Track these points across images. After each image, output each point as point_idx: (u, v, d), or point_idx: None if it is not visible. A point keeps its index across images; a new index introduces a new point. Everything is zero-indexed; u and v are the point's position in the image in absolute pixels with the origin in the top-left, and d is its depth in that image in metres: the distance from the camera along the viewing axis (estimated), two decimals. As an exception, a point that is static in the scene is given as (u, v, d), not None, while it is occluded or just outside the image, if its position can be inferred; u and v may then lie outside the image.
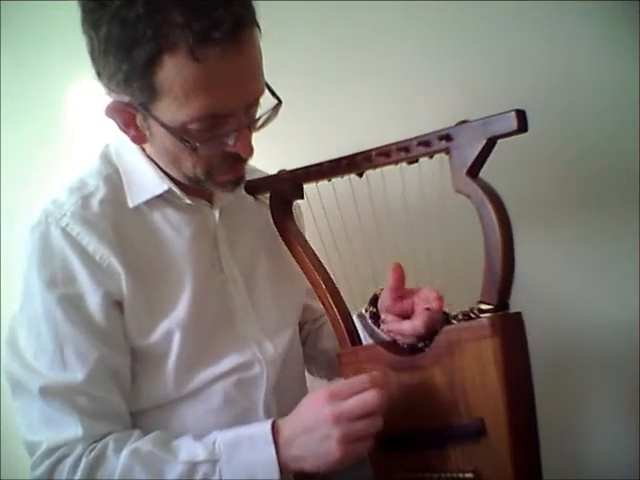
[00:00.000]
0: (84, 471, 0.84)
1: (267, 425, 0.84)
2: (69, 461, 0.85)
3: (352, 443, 0.79)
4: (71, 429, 0.85)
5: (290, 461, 0.82)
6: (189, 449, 0.85)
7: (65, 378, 0.86)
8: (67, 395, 0.86)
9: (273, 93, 0.89)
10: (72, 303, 0.87)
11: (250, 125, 0.87)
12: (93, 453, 0.85)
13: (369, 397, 0.79)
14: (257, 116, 0.88)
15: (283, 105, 0.89)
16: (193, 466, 0.83)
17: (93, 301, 0.88)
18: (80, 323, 0.87)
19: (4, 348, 0.90)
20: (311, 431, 0.80)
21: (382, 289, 0.99)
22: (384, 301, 0.97)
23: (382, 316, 0.97)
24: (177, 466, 0.84)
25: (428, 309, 0.89)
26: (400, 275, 0.93)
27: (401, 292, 0.94)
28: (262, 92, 0.86)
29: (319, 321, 1.23)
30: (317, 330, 1.22)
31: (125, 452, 0.84)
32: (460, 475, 0.83)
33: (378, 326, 0.99)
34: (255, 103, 0.87)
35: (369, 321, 1.01)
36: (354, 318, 1.01)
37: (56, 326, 0.86)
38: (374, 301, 1.01)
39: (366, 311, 1.01)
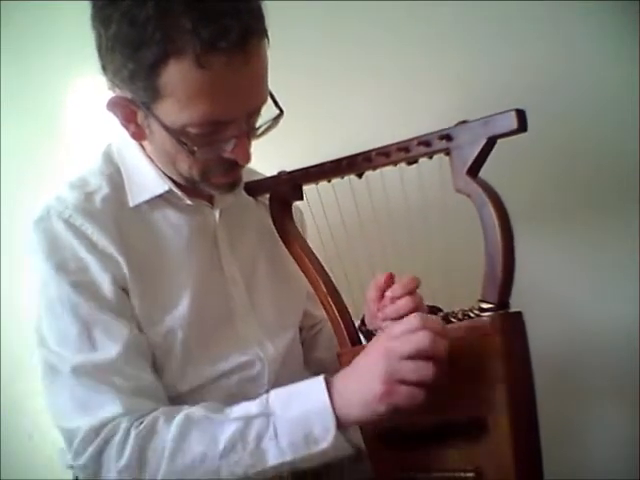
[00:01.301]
0: (135, 445, 0.81)
1: (320, 377, 0.81)
2: (116, 440, 0.82)
3: (396, 383, 0.74)
4: (110, 407, 0.84)
5: (341, 407, 0.78)
6: (242, 407, 0.83)
7: (96, 358, 0.85)
8: (100, 374, 0.85)
9: (276, 103, 0.89)
10: (88, 289, 0.87)
11: (250, 133, 0.88)
12: (143, 426, 0.83)
13: (419, 337, 0.74)
14: (258, 125, 0.89)
15: (284, 104, 0.89)
16: (246, 421, 0.81)
17: (106, 286, 0.87)
18: (101, 305, 0.87)
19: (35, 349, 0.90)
20: (361, 370, 0.79)
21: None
22: (369, 310, 0.96)
23: (378, 323, 0.94)
24: (230, 424, 0.81)
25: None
26: (387, 285, 0.92)
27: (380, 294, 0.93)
28: (265, 101, 0.87)
29: (315, 328, 1.23)
30: (313, 337, 1.22)
31: (177, 419, 0.82)
32: (462, 474, 0.82)
33: None
34: (257, 112, 0.87)
35: (365, 340, 0.98)
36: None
37: (77, 310, 0.86)
38: (364, 320, 1.00)
39: (360, 330, 0.98)
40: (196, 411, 0.84)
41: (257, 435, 0.80)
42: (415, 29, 1.39)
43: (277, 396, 0.83)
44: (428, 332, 0.74)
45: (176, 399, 0.94)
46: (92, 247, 0.88)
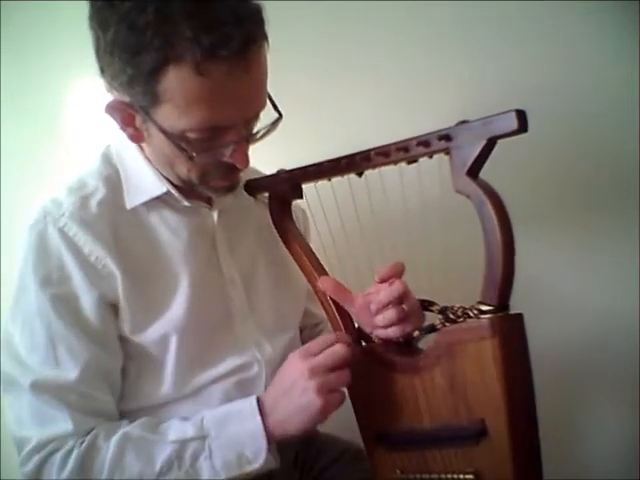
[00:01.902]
0: (76, 462, 0.84)
1: (252, 399, 0.87)
2: (59, 455, 0.85)
3: (329, 393, 0.83)
4: (61, 424, 0.86)
5: (275, 427, 0.85)
6: (178, 429, 0.87)
7: (57, 376, 0.87)
8: (58, 391, 0.86)
9: (275, 106, 0.89)
10: (65, 303, 0.88)
11: (249, 137, 0.87)
12: (84, 444, 0.85)
13: (337, 349, 0.85)
14: (256, 129, 0.89)
15: (283, 105, 0.89)
16: (182, 444, 0.86)
17: (86, 302, 0.88)
18: (72, 322, 0.88)
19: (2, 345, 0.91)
20: (290, 390, 0.85)
21: None
22: (358, 317, 0.96)
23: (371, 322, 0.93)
24: (167, 446, 0.86)
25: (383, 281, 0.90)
26: (334, 287, 0.95)
27: (348, 298, 0.95)
28: (264, 106, 0.87)
29: (318, 327, 1.23)
30: (316, 337, 1.21)
31: (115, 438, 0.86)
32: (461, 476, 0.83)
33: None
34: (256, 117, 0.87)
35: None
36: None
37: (49, 324, 0.87)
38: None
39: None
40: (133, 430, 0.87)
41: (192, 456, 0.85)
42: (415, 29, 1.38)
43: (212, 418, 0.88)
44: (342, 344, 0.86)
45: (174, 403, 0.95)
46: (82, 260, 0.88)
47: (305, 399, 0.83)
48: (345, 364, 0.85)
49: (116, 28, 0.76)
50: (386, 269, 0.90)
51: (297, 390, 0.84)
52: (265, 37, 0.82)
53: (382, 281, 0.90)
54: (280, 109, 0.89)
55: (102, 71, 0.83)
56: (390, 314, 0.89)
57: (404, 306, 0.89)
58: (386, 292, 0.89)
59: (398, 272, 0.90)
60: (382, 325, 0.90)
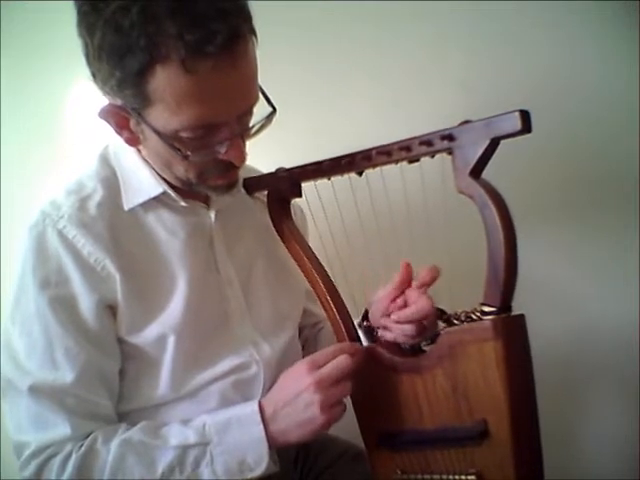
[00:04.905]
0: (74, 466, 0.84)
1: (254, 405, 0.87)
2: (57, 459, 0.85)
3: (332, 407, 0.84)
4: (59, 428, 0.86)
5: (276, 436, 0.86)
6: (179, 434, 0.87)
7: (55, 378, 0.86)
8: (56, 395, 0.86)
9: (268, 101, 0.88)
10: (64, 305, 0.87)
11: (243, 133, 0.87)
12: (83, 448, 0.85)
13: (342, 362, 0.85)
14: (251, 124, 0.88)
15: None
16: (184, 450, 0.86)
17: (85, 304, 0.88)
18: (70, 325, 0.87)
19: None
20: (294, 401, 0.85)
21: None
22: (379, 308, 0.95)
23: (384, 322, 0.94)
24: (168, 452, 0.86)
25: (423, 286, 0.90)
26: (408, 275, 0.92)
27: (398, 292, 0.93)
28: (256, 101, 0.86)
29: (318, 326, 1.23)
30: (316, 335, 1.22)
31: (115, 442, 0.86)
32: (463, 477, 0.83)
33: (373, 340, 0.97)
34: (248, 112, 0.86)
35: (364, 337, 0.99)
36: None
37: (47, 327, 0.87)
38: (366, 316, 1.00)
39: (360, 326, 0.99)
40: (134, 434, 0.87)
41: (194, 462, 0.86)
42: (417, 29, 1.39)
43: (214, 423, 0.88)
44: (347, 355, 0.85)
45: (172, 404, 0.95)
46: (82, 262, 0.88)
47: (309, 413, 0.84)
48: (349, 376, 0.85)
49: (102, 32, 0.75)
50: (424, 273, 0.90)
51: (301, 403, 0.84)
52: (252, 32, 0.81)
53: (422, 285, 0.90)
54: (274, 103, 0.88)
55: (94, 76, 0.82)
56: (409, 330, 0.90)
57: (425, 322, 0.89)
58: (413, 310, 0.89)
59: (434, 278, 0.90)
60: (396, 335, 0.91)
